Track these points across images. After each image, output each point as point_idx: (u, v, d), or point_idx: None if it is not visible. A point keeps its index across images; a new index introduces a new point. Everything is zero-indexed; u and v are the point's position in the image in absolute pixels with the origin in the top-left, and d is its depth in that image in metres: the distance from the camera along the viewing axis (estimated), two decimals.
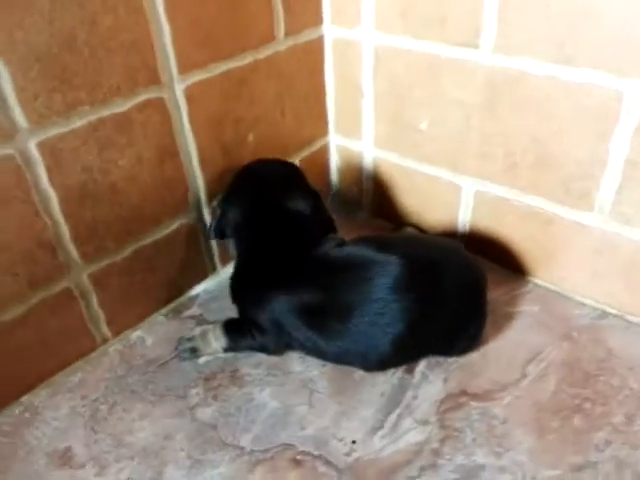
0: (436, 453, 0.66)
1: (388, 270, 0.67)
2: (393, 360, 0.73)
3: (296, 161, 1.00)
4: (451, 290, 0.70)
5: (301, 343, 0.73)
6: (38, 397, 0.75)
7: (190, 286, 0.91)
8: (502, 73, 0.75)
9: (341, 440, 0.68)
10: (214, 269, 0.94)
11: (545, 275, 0.88)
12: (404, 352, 0.72)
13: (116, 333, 0.83)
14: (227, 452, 0.67)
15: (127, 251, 0.79)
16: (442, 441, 0.67)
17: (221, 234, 0.81)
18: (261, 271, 0.75)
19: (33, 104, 0.62)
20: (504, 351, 0.78)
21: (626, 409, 0.69)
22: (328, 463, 0.65)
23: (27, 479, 0.65)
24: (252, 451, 0.67)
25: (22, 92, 0.60)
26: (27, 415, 0.72)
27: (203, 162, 0.83)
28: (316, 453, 0.67)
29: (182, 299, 0.90)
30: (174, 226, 0.84)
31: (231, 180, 0.81)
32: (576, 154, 0.74)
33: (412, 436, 0.68)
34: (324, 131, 1.03)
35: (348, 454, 0.66)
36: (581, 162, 0.74)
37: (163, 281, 0.86)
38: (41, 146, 0.64)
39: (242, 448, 0.67)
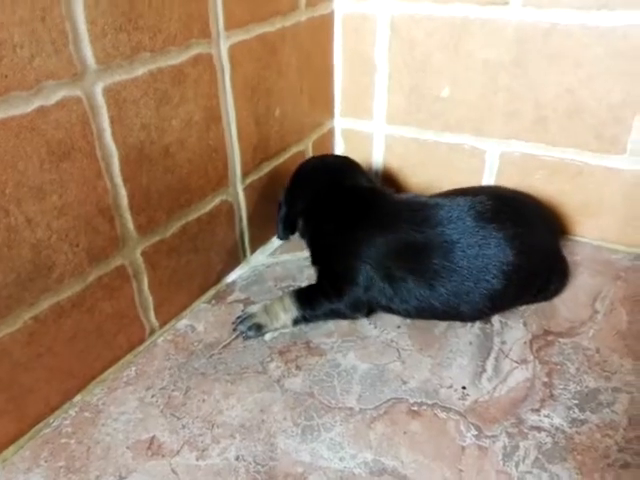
0: (549, 385, 0.64)
1: (479, 207, 0.67)
2: (501, 297, 0.70)
3: (309, 145, 0.99)
4: (539, 227, 0.71)
5: (390, 298, 0.70)
6: (93, 395, 0.64)
7: (226, 273, 0.85)
8: (532, 27, 0.80)
9: (450, 387, 0.65)
10: (244, 255, 0.89)
11: (577, 228, 0.92)
12: (515, 282, 0.69)
13: (163, 323, 0.74)
14: (336, 414, 0.61)
15: (175, 226, 0.72)
16: (549, 374, 0.66)
17: (291, 228, 0.80)
18: (345, 226, 0.72)
19: (102, 41, 0.56)
20: (567, 295, 0.79)
21: None
22: (447, 409, 0.62)
23: (116, 476, 0.54)
24: (362, 409, 0.62)
25: (93, 25, 0.55)
26: (87, 414, 0.62)
27: (240, 132, 0.79)
28: (430, 402, 0.63)
29: (220, 286, 0.83)
30: (216, 201, 0.78)
31: (290, 178, 0.83)
32: (608, 98, 0.80)
33: (518, 374, 0.66)
34: (331, 114, 1.03)
35: (463, 398, 0.63)
36: (613, 106, 0.80)
37: (205, 265, 0.79)
38: (107, 92, 0.58)
39: (351, 408, 0.62)
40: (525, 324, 0.74)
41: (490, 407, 0.62)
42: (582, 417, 0.60)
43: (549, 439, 0.58)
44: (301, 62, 0.89)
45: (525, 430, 0.59)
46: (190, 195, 0.73)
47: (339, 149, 1.06)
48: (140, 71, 0.61)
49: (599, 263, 0.86)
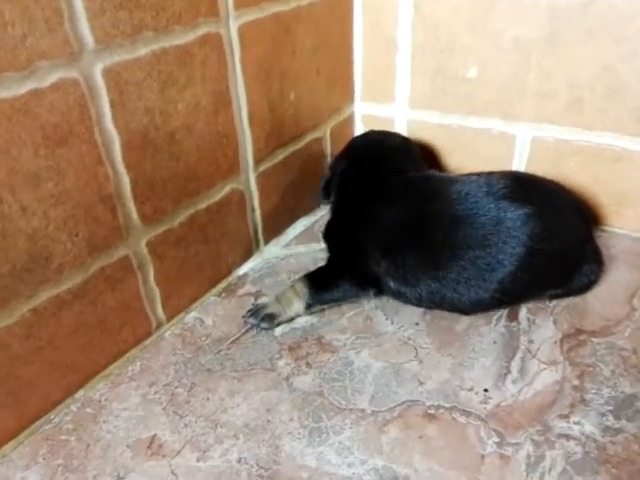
0: (580, 389, 0.59)
1: (497, 185, 0.63)
2: (514, 282, 0.64)
3: (327, 131, 0.94)
4: (566, 210, 0.65)
5: (395, 278, 0.68)
6: (96, 391, 0.62)
7: (237, 264, 0.82)
8: (567, 0, 0.74)
9: (471, 390, 0.60)
10: (257, 246, 0.85)
11: (613, 219, 0.85)
12: (532, 267, 0.64)
13: (170, 316, 0.71)
14: (346, 416, 0.57)
15: (183, 215, 0.69)
16: (580, 377, 0.61)
17: (328, 194, 0.80)
18: (355, 201, 0.72)
19: (101, 19, 0.53)
20: (601, 292, 0.73)
21: None
22: (467, 413, 0.57)
23: (113, 476, 0.52)
24: (375, 412, 0.58)
25: (91, 2, 0.52)
26: (89, 410, 0.59)
27: (252, 118, 0.76)
28: (447, 405, 0.58)
29: (231, 279, 0.80)
30: (226, 190, 0.75)
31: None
32: None
33: (546, 376, 0.61)
34: (350, 98, 0.98)
35: (484, 402, 0.58)
36: None
37: (214, 257, 0.76)
38: (106, 73, 0.55)
39: (362, 410, 0.58)
40: (555, 322, 0.69)
41: (514, 412, 0.57)
42: (617, 425, 0.55)
43: (579, 449, 0.53)
44: (317, 43, 0.85)
45: (552, 438, 0.54)
46: (198, 183, 0.70)
47: None
48: (142, 51, 0.58)
49: (638, 256, 0.80)
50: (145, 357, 0.66)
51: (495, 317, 0.70)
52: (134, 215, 0.62)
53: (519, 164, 0.88)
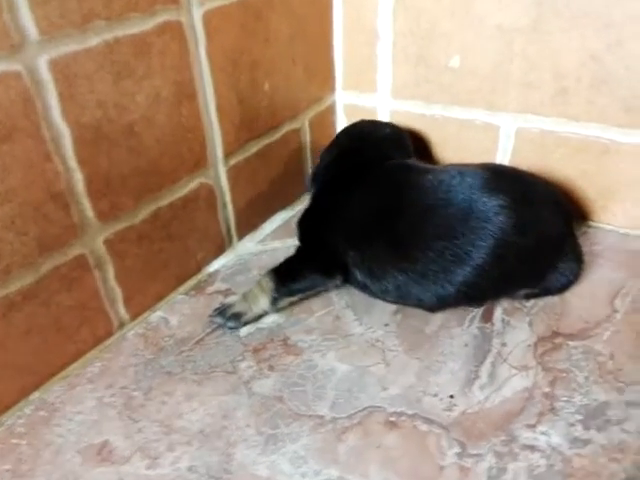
0: (550, 396, 0.57)
1: (472, 173, 0.60)
2: (484, 277, 0.61)
3: (305, 122, 0.91)
4: (544, 205, 0.62)
5: (361, 270, 0.66)
6: (51, 393, 0.60)
7: (207, 261, 0.79)
8: None
9: (435, 396, 0.58)
10: (230, 242, 0.83)
11: (600, 215, 0.82)
12: (502, 262, 0.60)
13: (134, 315, 0.70)
14: (304, 423, 0.55)
15: (145, 212, 0.67)
16: (552, 384, 0.58)
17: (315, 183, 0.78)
18: (328, 190, 0.72)
19: (45, 8, 0.50)
20: (582, 291, 0.70)
21: None
22: (429, 421, 0.55)
23: None
24: (334, 418, 0.56)
25: None
26: (43, 413, 0.58)
27: (220, 110, 0.73)
28: (410, 412, 0.56)
29: (201, 276, 0.78)
30: (192, 185, 0.72)
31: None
32: None
33: (516, 382, 0.58)
34: (331, 87, 0.95)
35: (449, 409, 0.56)
36: None
37: (181, 254, 0.74)
38: (53, 65, 0.53)
39: (321, 417, 0.56)
40: (531, 324, 0.66)
41: (479, 420, 0.55)
42: (586, 436, 0.52)
43: (543, 461, 0.50)
44: (294, 30, 0.82)
45: (516, 449, 0.52)
46: (161, 178, 0.67)
47: (341, 126, 0.98)
48: (94, 41, 0.56)
49: (624, 254, 0.77)
50: (105, 358, 0.65)
51: (469, 318, 0.67)
52: (89, 212, 0.60)
53: (503, 156, 0.85)
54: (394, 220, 0.63)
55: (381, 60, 0.88)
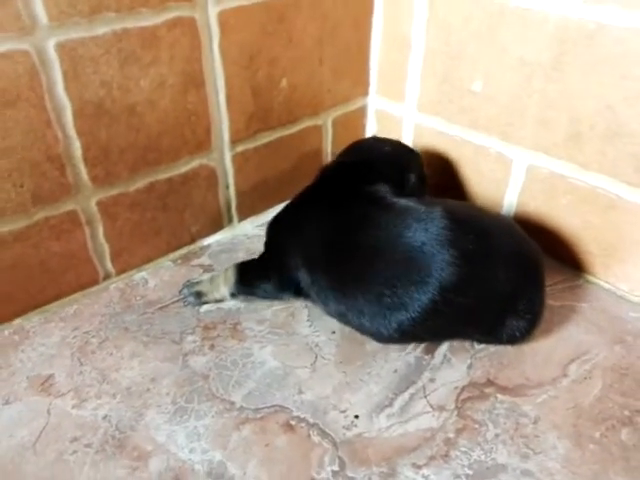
0: (450, 443, 0.57)
1: (431, 218, 0.59)
2: (417, 327, 0.61)
3: (328, 120, 0.93)
4: (502, 260, 0.61)
5: (312, 292, 0.67)
6: (30, 322, 0.70)
7: (203, 235, 0.86)
8: (576, 25, 0.66)
9: (342, 412, 0.60)
10: (230, 221, 0.88)
11: (599, 271, 0.78)
12: (439, 316, 0.60)
13: (120, 271, 0.78)
14: (215, 405, 0.61)
15: (140, 183, 0.74)
16: (459, 432, 0.58)
17: None
18: (297, 206, 0.73)
19: None
20: (543, 346, 0.68)
21: None
22: (324, 434, 0.58)
23: (3, 399, 0.60)
24: (242, 408, 0.60)
25: None
26: (16, 337, 0.68)
27: (230, 100, 0.77)
28: (312, 421, 0.59)
29: (193, 247, 0.85)
30: (193, 165, 0.78)
31: None
32: None
33: (424, 421, 0.60)
34: (364, 90, 0.96)
35: (348, 428, 0.59)
36: None
37: (175, 224, 0.81)
38: (60, 48, 0.60)
39: (232, 403, 0.61)
40: (470, 366, 0.66)
41: (370, 446, 0.57)
42: None
43: None
44: (323, 32, 0.83)
45: None
46: (159, 155, 0.74)
47: (371, 130, 0.99)
48: (101, 30, 0.62)
49: (608, 318, 0.73)
50: (83, 303, 0.74)
51: (412, 345, 0.68)
52: (84, 176, 0.68)
53: (514, 190, 0.82)
54: (344, 254, 0.64)
55: (411, 71, 0.88)
